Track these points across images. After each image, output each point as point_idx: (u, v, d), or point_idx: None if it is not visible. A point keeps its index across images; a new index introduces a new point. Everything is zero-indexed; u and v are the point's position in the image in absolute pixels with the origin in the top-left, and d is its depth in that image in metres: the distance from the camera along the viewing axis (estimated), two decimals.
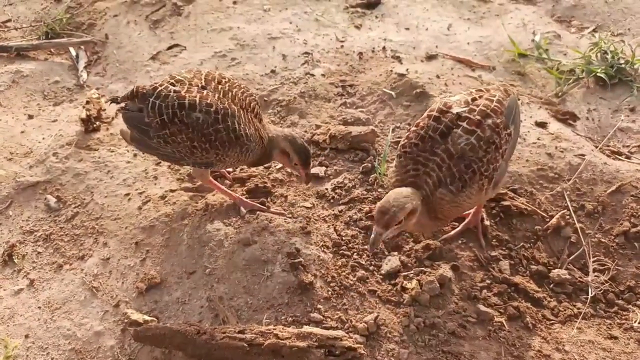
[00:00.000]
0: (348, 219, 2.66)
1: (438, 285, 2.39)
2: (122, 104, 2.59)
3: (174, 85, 2.44)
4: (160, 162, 2.96)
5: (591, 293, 2.46)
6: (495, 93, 2.34)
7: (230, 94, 2.45)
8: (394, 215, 2.06)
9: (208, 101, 2.38)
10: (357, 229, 2.62)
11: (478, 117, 2.22)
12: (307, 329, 2.16)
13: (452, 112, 2.25)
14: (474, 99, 2.31)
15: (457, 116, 2.24)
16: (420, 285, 2.39)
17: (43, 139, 3.15)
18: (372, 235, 2.11)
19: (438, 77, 3.32)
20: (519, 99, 2.76)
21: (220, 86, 2.46)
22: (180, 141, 2.41)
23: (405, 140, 2.29)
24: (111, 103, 2.76)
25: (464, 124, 2.21)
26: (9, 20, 4.11)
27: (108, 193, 2.82)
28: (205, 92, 2.42)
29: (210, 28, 3.81)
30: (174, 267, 2.50)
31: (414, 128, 2.30)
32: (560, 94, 3.31)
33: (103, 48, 3.84)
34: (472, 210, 2.59)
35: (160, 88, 2.44)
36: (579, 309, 2.42)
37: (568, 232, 2.63)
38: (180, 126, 2.38)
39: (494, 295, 2.39)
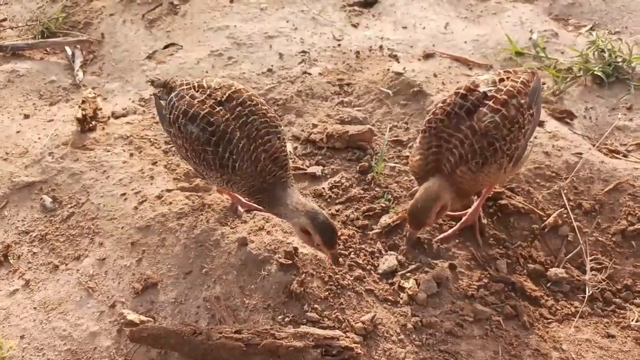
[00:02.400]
0: (345, 218, 2.65)
1: (435, 284, 2.38)
2: (157, 90, 2.58)
3: (195, 90, 2.36)
4: (156, 162, 2.95)
5: (588, 292, 2.45)
6: (521, 75, 2.41)
7: (243, 119, 2.25)
8: (423, 220, 2.23)
9: (211, 119, 2.23)
10: (354, 228, 2.61)
11: (504, 97, 2.27)
12: (303, 328, 2.15)
13: (479, 90, 2.30)
14: (501, 80, 2.37)
15: (483, 95, 2.29)
16: (418, 284, 2.39)
17: (39, 138, 3.14)
18: (408, 235, 2.35)
19: (435, 75, 3.32)
20: (543, 83, 2.77)
21: (239, 108, 2.26)
22: (178, 145, 2.40)
23: (431, 116, 2.33)
24: (150, 84, 2.71)
25: (490, 103, 2.26)
26: (5, 20, 4.09)
27: (104, 193, 2.81)
28: (217, 109, 2.26)
29: (207, 27, 3.80)
30: (170, 267, 2.49)
31: (440, 104, 2.35)
32: (557, 92, 3.31)
33: (99, 47, 3.83)
34: (469, 210, 2.59)
35: (182, 87, 2.40)
36: (576, 307, 2.42)
37: (565, 231, 2.63)
38: (178, 132, 2.35)
39: (491, 294, 2.39)
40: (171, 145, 3.05)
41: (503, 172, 2.31)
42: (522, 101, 2.30)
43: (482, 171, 2.23)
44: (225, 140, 2.22)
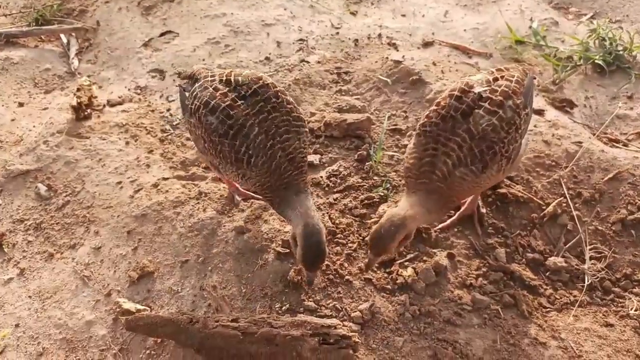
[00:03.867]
0: (343, 207, 2.63)
1: (434, 273, 2.37)
2: (183, 82, 2.54)
3: (219, 82, 2.31)
4: (152, 150, 2.92)
5: (587, 281, 2.44)
6: (514, 73, 2.35)
7: (264, 115, 2.21)
8: (384, 247, 2.12)
9: (231, 112, 2.20)
10: (352, 217, 2.59)
11: (500, 98, 2.21)
12: (301, 317, 2.13)
13: (474, 91, 2.24)
14: (495, 79, 2.31)
15: (478, 96, 2.23)
16: (416, 273, 2.37)
17: (34, 126, 3.10)
18: (366, 260, 2.23)
19: (434, 64, 3.28)
20: (534, 78, 2.71)
21: (261, 104, 2.22)
22: (197, 135, 2.36)
23: (425, 119, 2.27)
24: (178, 76, 2.62)
25: (486, 105, 2.20)
26: None
27: (99, 181, 2.78)
28: (238, 102, 2.22)
29: (204, 14, 3.76)
30: (167, 255, 2.47)
31: (434, 107, 2.28)
32: (557, 81, 3.28)
33: (94, 35, 3.79)
34: (468, 199, 2.57)
35: (207, 79, 2.36)
36: (575, 296, 2.40)
37: (564, 220, 2.61)
38: (197, 122, 2.30)
39: (489, 283, 2.38)
40: (167, 134, 3.02)
41: (502, 173, 2.28)
42: (518, 101, 2.24)
43: (484, 173, 2.18)
44: (243, 135, 2.18)
